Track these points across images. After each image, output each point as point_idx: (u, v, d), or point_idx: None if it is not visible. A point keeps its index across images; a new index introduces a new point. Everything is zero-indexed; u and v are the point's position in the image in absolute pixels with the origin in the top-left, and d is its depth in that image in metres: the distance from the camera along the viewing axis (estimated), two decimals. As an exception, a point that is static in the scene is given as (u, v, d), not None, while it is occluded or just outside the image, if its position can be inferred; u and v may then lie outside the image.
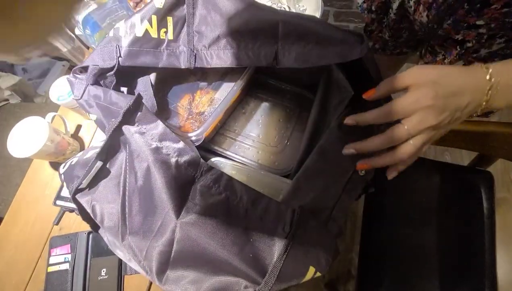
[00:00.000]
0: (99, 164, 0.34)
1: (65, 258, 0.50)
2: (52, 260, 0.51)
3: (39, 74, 1.31)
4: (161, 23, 0.41)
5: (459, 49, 0.48)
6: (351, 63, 0.35)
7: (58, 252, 0.51)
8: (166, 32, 0.41)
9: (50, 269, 0.50)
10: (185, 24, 0.42)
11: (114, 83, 0.42)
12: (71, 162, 0.39)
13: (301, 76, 0.49)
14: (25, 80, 1.12)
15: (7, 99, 1.04)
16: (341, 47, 0.36)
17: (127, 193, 0.33)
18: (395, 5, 0.56)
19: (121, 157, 0.35)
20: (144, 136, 0.34)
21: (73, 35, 0.56)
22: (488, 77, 0.30)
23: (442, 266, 0.65)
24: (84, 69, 0.41)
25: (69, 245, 0.51)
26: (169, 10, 0.40)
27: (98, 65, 0.39)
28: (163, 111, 0.48)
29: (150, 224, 0.32)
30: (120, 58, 0.40)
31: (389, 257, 0.67)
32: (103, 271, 0.49)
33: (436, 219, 0.69)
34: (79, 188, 0.35)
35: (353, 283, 0.98)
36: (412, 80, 0.31)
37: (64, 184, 0.38)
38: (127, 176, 0.34)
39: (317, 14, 0.64)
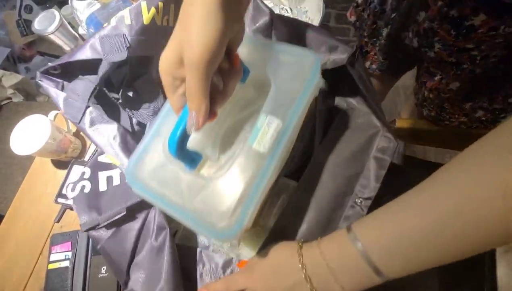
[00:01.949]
0: (123, 211, 0.36)
1: (65, 255, 0.51)
2: (53, 257, 0.51)
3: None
4: (165, 11, 0.40)
5: (455, 70, 0.48)
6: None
7: (59, 250, 0.51)
8: (168, 20, 0.40)
9: (51, 266, 0.50)
10: None
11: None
12: (83, 187, 0.40)
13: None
14: (28, 79, 1.13)
15: (9, 98, 1.05)
16: (329, 56, 0.36)
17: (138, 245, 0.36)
18: (384, 32, 0.56)
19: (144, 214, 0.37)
20: None
21: (77, 34, 0.57)
22: (300, 260, 0.28)
23: (441, 267, 0.65)
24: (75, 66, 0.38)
25: (70, 242, 0.51)
26: None
27: (110, 60, 0.36)
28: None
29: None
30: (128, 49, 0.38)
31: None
32: (103, 269, 0.49)
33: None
34: (98, 226, 0.37)
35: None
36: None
37: (75, 210, 0.39)
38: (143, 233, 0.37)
39: (319, 16, 0.65)
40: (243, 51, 0.30)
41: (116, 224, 0.38)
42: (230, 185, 0.27)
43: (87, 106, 0.37)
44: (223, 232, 0.26)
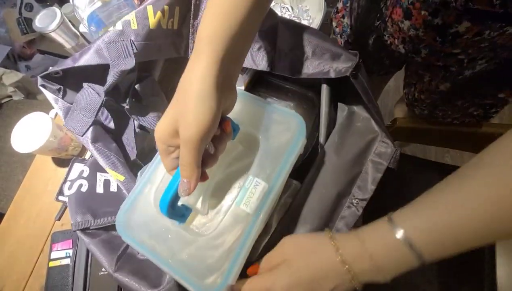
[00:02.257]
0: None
1: (66, 253, 0.51)
2: (54, 255, 0.51)
3: (42, 72, 1.31)
4: (170, 13, 0.39)
5: (443, 72, 0.48)
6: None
7: (60, 247, 0.52)
8: (172, 22, 0.40)
9: (52, 264, 0.50)
10: (191, 16, 0.41)
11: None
12: (80, 185, 0.40)
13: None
14: (29, 77, 1.13)
15: (10, 96, 1.04)
16: (332, 64, 0.37)
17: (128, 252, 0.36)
18: (370, 40, 0.56)
19: None
20: None
21: (78, 32, 0.57)
22: (338, 258, 0.26)
23: (442, 267, 0.65)
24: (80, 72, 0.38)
25: (71, 240, 0.52)
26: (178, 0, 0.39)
27: (119, 69, 0.35)
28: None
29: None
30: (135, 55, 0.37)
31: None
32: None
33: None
34: (88, 230, 0.37)
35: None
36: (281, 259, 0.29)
37: (67, 207, 0.39)
38: None
39: (320, 15, 0.65)
40: (235, 107, 0.31)
41: (108, 229, 0.38)
42: (218, 241, 0.28)
43: (93, 122, 0.37)
44: (209, 287, 0.27)
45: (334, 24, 0.64)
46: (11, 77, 1.04)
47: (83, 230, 0.36)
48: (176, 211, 0.30)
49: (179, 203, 0.31)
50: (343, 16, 0.60)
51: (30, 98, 1.11)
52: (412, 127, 0.64)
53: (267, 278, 0.28)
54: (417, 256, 0.24)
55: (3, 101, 1.03)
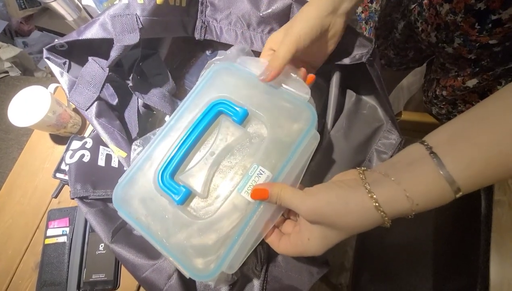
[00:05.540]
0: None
1: (63, 231, 0.50)
2: (50, 232, 0.50)
3: (40, 49, 1.28)
4: None
5: (473, 67, 0.46)
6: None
7: (56, 225, 0.51)
8: (180, 0, 0.39)
9: (48, 241, 0.50)
10: None
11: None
12: (82, 155, 0.39)
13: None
14: (26, 53, 1.10)
15: (6, 72, 1.02)
16: (346, 49, 0.36)
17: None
18: (400, 26, 0.54)
19: None
20: None
21: (80, 5, 0.54)
22: (375, 204, 0.25)
23: (436, 263, 0.66)
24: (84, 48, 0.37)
25: (68, 218, 0.51)
26: None
27: (123, 44, 0.35)
28: (182, 92, 0.47)
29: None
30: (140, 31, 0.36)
31: (384, 253, 0.67)
32: (101, 246, 0.48)
33: (432, 216, 0.69)
34: (86, 199, 0.36)
35: (346, 276, 0.99)
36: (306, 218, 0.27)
37: (69, 175, 0.38)
38: None
39: None
40: (245, 93, 0.32)
41: (106, 201, 0.38)
42: (215, 227, 0.28)
43: (98, 97, 0.36)
44: (201, 272, 0.26)
45: (359, 9, 0.62)
46: (8, 51, 1.01)
47: (82, 199, 0.35)
48: (175, 186, 0.29)
49: (180, 183, 0.30)
50: (371, 1, 0.58)
51: (27, 75, 1.08)
52: (417, 121, 0.63)
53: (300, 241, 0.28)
54: (455, 190, 0.23)
55: (-1, 76, 1.00)
